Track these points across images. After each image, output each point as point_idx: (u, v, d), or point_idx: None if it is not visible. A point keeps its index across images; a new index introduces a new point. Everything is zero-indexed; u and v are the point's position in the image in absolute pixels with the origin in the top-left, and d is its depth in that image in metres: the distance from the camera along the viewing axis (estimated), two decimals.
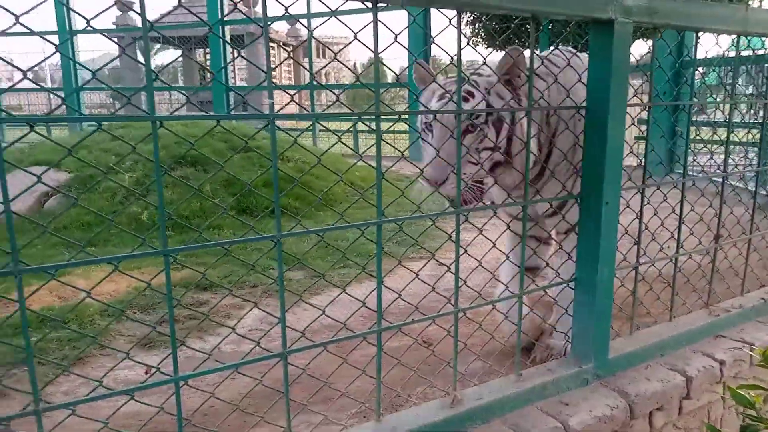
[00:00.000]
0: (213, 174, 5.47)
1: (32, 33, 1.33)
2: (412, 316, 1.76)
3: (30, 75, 1.25)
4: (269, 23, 7.33)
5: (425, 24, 10.17)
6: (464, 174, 2.01)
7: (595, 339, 2.03)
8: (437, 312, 1.77)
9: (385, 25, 1.63)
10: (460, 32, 1.68)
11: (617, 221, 2.01)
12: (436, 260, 1.77)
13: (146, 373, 2.24)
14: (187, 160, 5.89)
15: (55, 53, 1.27)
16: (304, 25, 2.23)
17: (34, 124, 1.24)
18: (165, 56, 32.36)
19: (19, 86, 1.16)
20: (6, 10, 1.22)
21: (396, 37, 1.63)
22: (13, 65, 1.26)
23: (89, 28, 1.21)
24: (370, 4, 1.51)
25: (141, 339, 2.75)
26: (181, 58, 25.28)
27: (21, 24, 1.14)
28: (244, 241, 1.46)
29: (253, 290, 3.52)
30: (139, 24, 1.23)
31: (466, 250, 1.76)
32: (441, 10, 1.82)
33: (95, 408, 2.00)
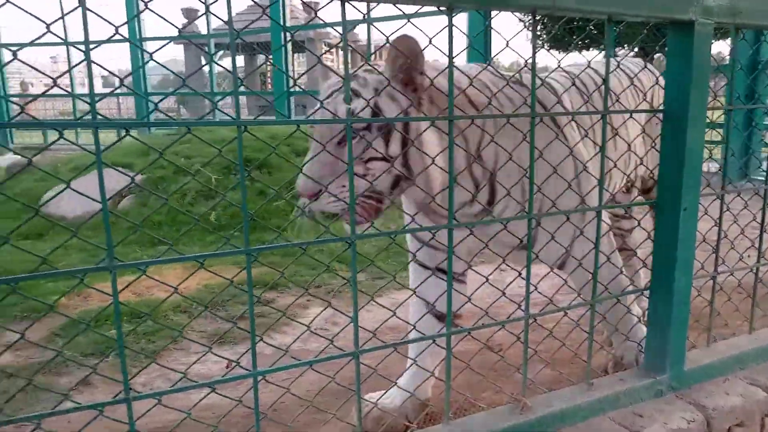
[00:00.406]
0: (290, 179, 5.60)
1: (125, 40, 1.41)
2: (482, 320, 1.75)
3: (107, 81, 1.33)
4: (315, 29, 7.45)
5: (486, 26, 10.07)
6: (344, 187, 1.64)
7: (671, 350, 1.97)
8: (506, 317, 1.76)
9: (459, 29, 1.64)
10: (535, 35, 1.67)
11: (695, 228, 1.94)
12: (507, 265, 1.76)
13: (227, 367, 2.33)
14: (252, 163, 6.06)
15: (148, 61, 1.35)
16: (381, 31, 2.16)
17: (129, 129, 1.31)
18: (225, 63, 33.36)
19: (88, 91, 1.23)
20: (104, 19, 1.29)
21: (470, 42, 1.63)
22: (110, 72, 1.34)
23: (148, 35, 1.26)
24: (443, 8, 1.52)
25: (212, 335, 2.85)
26: (242, 64, 26.01)
27: (120, 34, 1.21)
28: (322, 242, 1.50)
29: (317, 291, 3.59)
30: (204, 32, 1.28)
31: (537, 255, 1.74)
32: (505, 13, 1.82)
33: (171, 399, 2.09)
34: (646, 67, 2.55)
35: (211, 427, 1.59)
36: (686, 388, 2.02)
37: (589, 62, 2.47)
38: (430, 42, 1.62)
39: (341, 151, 1.68)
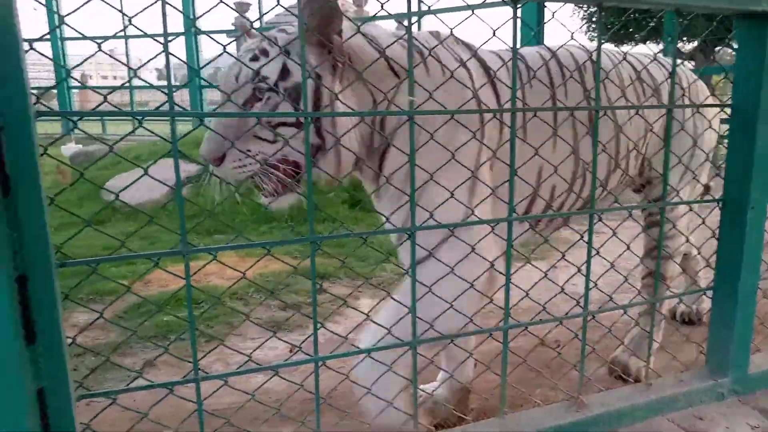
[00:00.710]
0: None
1: (201, 32, 1.45)
2: (539, 316, 1.74)
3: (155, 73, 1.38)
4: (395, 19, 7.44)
5: (539, 17, 9.89)
6: (249, 151, 1.57)
7: (734, 352, 1.91)
8: (563, 314, 1.75)
9: (524, 22, 1.62)
10: (603, 26, 1.64)
11: (763, 227, 1.88)
12: (567, 261, 1.74)
13: (290, 351, 2.39)
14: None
15: (221, 54, 1.39)
16: (443, 21, 2.12)
17: (202, 120, 1.37)
18: None
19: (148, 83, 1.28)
20: (180, 12, 1.34)
21: (535, 33, 1.62)
22: (186, 63, 1.39)
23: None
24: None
25: (268, 322, 2.93)
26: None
27: (196, 29, 1.26)
28: (384, 233, 1.52)
29: (366, 282, 3.62)
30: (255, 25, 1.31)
31: (598, 252, 1.72)
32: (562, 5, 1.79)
33: (231, 382, 2.16)
34: (656, 59, 2.28)
35: (271, 410, 1.64)
36: (750, 393, 1.96)
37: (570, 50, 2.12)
38: (494, 34, 1.62)
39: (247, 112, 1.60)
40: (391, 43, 1.65)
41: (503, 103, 1.85)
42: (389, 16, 2.08)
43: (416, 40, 1.79)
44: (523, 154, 1.72)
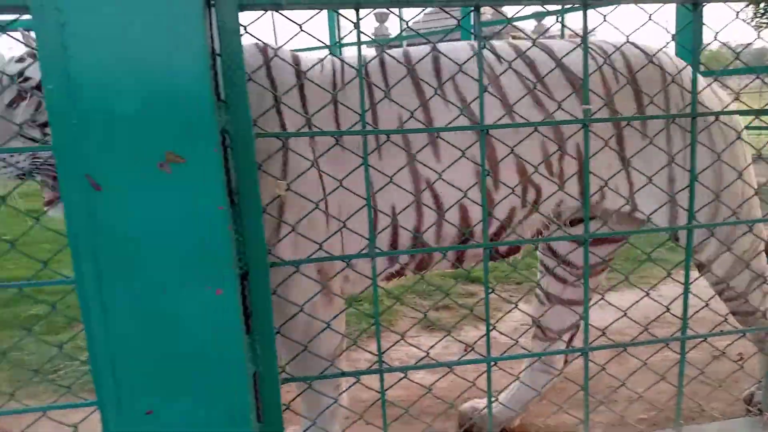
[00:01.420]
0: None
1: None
2: (719, 327, 1.67)
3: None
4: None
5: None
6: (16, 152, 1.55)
7: None
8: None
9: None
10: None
11: None
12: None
13: (465, 350, 2.50)
14: None
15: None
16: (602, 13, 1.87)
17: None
18: None
19: None
20: (348, 19, 1.46)
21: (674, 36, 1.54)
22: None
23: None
24: None
25: (422, 321, 3.05)
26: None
27: (370, 35, 1.38)
28: (554, 239, 1.55)
29: (518, 287, 3.63)
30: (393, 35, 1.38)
31: None
32: None
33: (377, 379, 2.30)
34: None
35: (437, 405, 1.73)
36: None
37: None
38: (670, 36, 1.58)
39: (12, 112, 1.62)
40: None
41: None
42: (547, 13, 2.07)
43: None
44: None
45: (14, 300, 3.56)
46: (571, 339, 2.07)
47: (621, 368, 2.00)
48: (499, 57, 1.74)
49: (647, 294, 1.57)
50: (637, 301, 1.59)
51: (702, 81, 1.80)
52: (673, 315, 1.62)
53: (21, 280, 3.34)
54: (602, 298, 1.62)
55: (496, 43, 1.81)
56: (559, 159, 1.67)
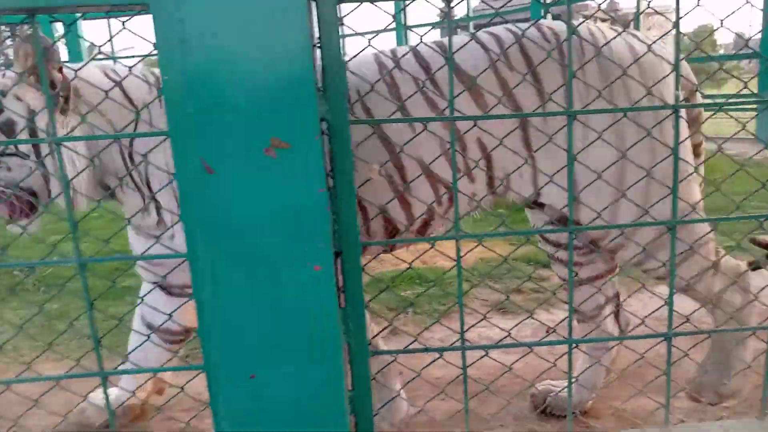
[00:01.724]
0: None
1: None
2: None
3: None
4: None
5: None
6: None
7: None
8: None
9: None
10: None
11: None
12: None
13: (546, 332, 2.52)
14: None
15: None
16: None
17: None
18: None
19: None
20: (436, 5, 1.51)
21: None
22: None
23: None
24: None
25: (493, 304, 3.09)
26: None
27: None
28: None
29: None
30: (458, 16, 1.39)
31: None
32: None
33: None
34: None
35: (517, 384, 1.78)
36: None
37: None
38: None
39: None
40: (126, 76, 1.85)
41: None
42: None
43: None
44: None
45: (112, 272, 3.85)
46: (615, 314, 2.02)
47: (703, 356, 1.98)
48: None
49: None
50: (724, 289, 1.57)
51: (609, 33, 1.79)
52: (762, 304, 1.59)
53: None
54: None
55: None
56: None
